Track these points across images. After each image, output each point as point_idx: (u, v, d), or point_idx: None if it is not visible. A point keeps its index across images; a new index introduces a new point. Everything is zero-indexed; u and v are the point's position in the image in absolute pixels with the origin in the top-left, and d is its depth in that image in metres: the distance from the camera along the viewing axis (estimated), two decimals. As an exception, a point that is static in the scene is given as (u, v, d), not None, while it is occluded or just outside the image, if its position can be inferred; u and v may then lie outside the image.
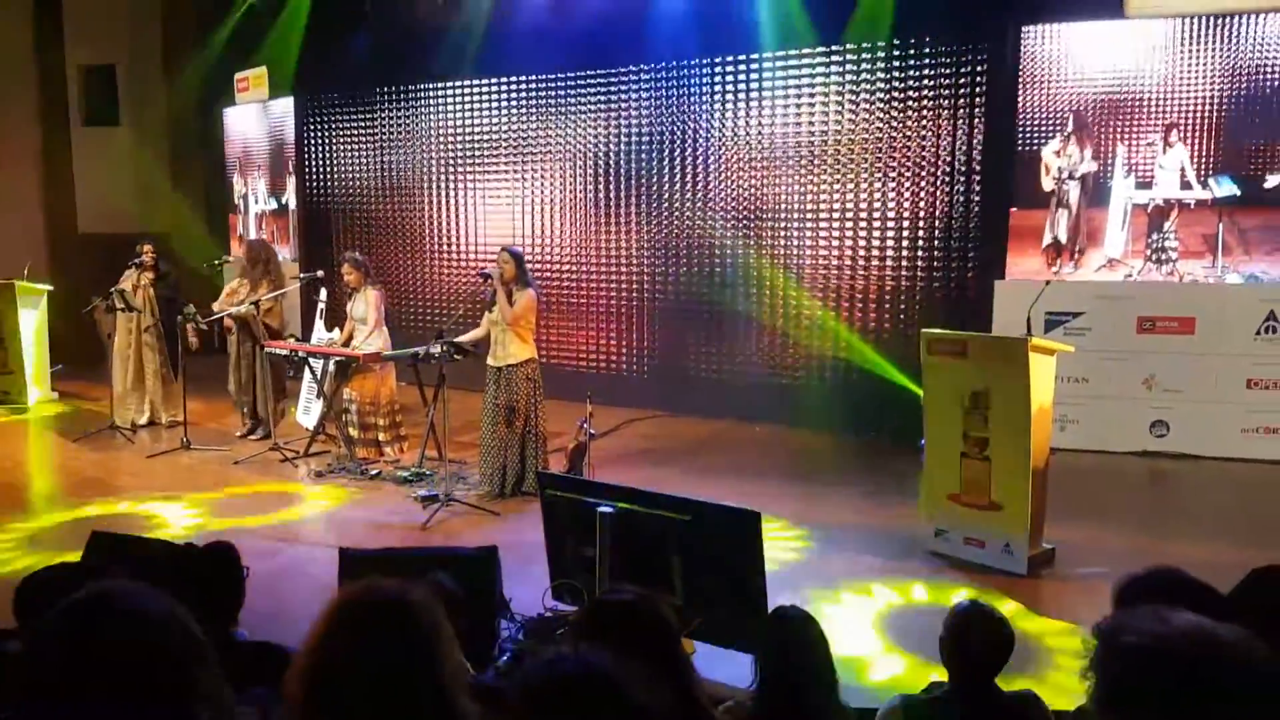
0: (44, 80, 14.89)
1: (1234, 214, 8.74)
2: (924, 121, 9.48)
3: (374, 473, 8.48)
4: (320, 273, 9.14)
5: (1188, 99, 8.85)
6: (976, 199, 9.32)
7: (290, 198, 14.07)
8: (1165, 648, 1.45)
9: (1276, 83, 8.55)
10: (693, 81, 10.68)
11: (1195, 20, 8.70)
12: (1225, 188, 8.81)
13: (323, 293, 10.27)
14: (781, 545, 6.60)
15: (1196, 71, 8.82)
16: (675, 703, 2.18)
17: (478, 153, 12.27)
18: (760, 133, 10.36)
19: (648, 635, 2.26)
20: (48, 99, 14.94)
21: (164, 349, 10.32)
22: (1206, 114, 8.81)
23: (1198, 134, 8.86)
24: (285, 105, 13.89)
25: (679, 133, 10.84)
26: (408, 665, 1.61)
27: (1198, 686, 1.41)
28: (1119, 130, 9.05)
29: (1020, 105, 9.09)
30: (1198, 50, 8.80)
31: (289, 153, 13.99)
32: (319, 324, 9.83)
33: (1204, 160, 8.85)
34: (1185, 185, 8.91)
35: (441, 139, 12.53)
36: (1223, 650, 1.44)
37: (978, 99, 9.24)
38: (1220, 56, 8.71)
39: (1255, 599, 2.71)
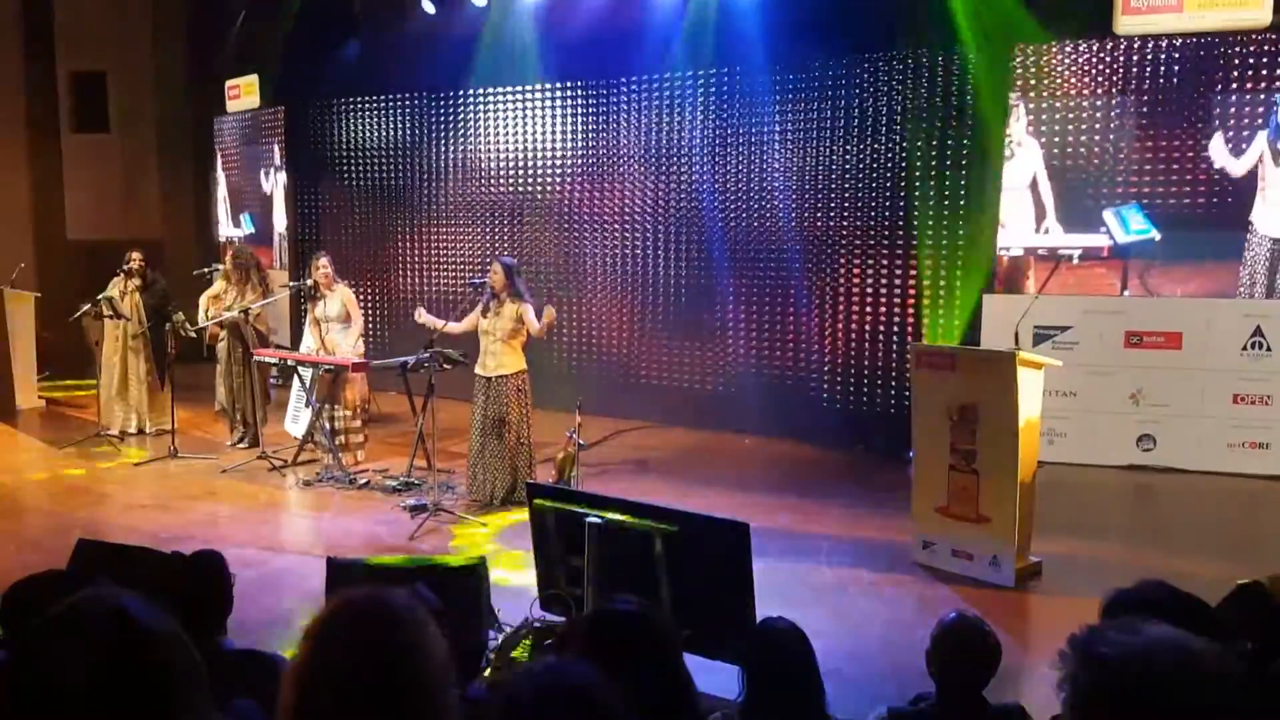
0: (34, 87, 14.85)
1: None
2: (909, 134, 9.52)
3: (362, 482, 8.46)
4: (310, 281, 9.14)
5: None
6: (962, 212, 9.36)
7: (278, 218, 14.05)
8: (1137, 659, 1.46)
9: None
10: (686, 93, 10.73)
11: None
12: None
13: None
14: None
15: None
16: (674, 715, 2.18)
17: (470, 161, 12.29)
18: (754, 146, 10.40)
19: (650, 647, 2.26)
20: (37, 106, 14.90)
21: (150, 357, 10.28)
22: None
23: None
24: (276, 113, 13.88)
25: (677, 141, 10.88)
26: (398, 673, 1.61)
27: (1168, 698, 1.42)
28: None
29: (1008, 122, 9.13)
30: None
31: (280, 160, 13.97)
32: (308, 333, 9.82)
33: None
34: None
35: (434, 147, 12.54)
36: (1194, 663, 1.44)
37: (967, 112, 9.28)
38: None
39: (1240, 613, 2.73)
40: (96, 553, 4.83)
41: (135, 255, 10.30)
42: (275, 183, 14.11)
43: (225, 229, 15.15)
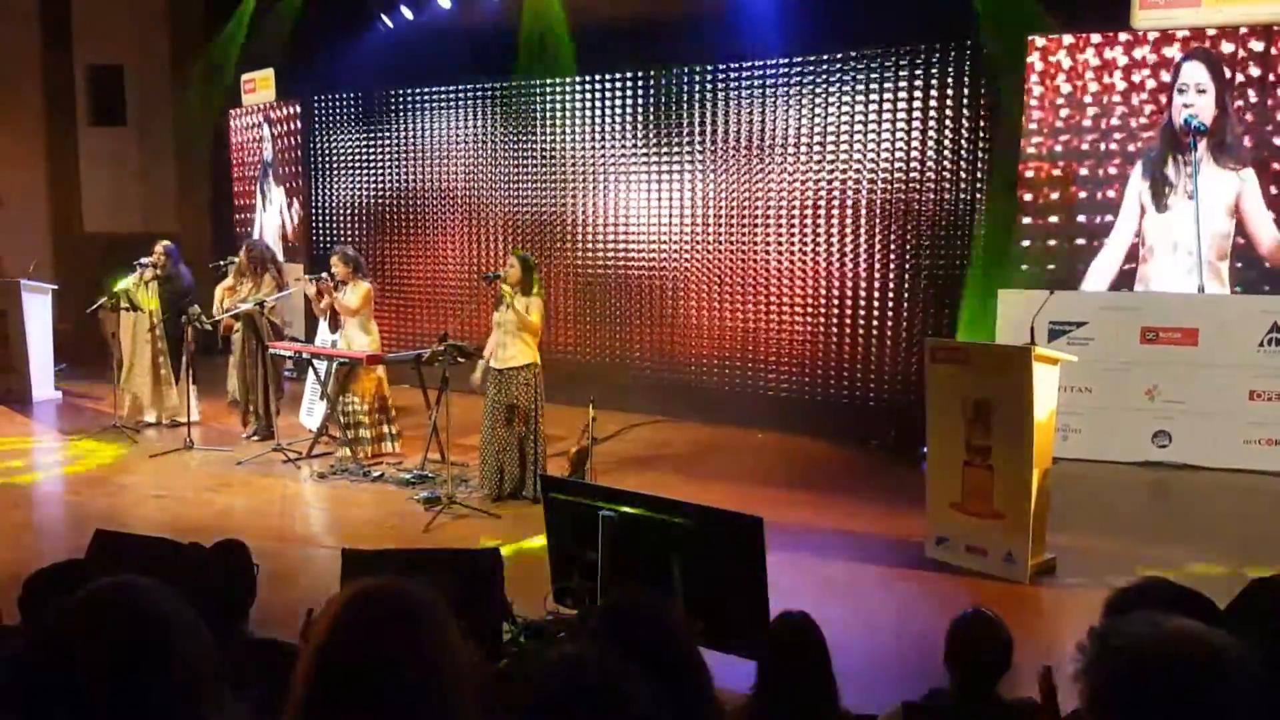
0: (51, 80, 14.92)
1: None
2: (929, 128, 9.51)
3: (376, 474, 8.49)
4: (325, 275, 9.18)
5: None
6: (981, 207, 9.33)
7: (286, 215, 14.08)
8: (1156, 650, 1.46)
9: None
10: (691, 85, 10.73)
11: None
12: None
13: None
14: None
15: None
16: (689, 707, 2.19)
17: (483, 158, 12.29)
18: (760, 138, 10.39)
19: (664, 639, 2.26)
20: (55, 99, 14.97)
21: (165, 349, 10.33)
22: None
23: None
24: (292, 107, 13.91)
25: (680, 138, 10.87)
26: (413, 662, 1.61)
27: (1188, 690, 1.42)
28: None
29: (1024, 116, 9.12)
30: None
31: (289, 156, 14.00)
32: (323, 325, 9.86)
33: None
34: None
35: (449, 142, 12.55)
36: (1213, 654, 1.45)
37: (981, 108, 9.26)
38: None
39: (1256, 609, 2.72)
40: (114, 543, 4.85)
41: (158, 248, 10.36)
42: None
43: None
